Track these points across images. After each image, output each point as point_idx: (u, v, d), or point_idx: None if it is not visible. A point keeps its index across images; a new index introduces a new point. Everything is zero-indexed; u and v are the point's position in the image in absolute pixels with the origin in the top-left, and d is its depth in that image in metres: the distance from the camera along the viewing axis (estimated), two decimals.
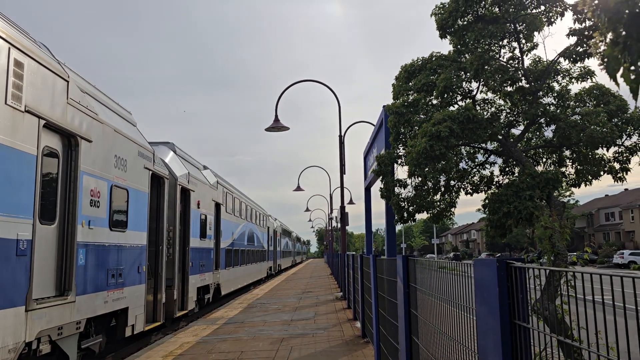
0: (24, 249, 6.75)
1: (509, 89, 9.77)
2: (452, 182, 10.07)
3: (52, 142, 7.83)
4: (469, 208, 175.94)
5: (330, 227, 56.37)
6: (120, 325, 10.40)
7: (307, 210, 58.40)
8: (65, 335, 7.92)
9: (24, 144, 6.87)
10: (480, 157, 10.47)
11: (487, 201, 8.89)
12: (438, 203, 9.96)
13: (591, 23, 8.18)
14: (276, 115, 17.57)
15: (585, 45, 8.71)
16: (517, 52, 9.84)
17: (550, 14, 9.30)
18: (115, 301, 9.82)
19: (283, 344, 10.59)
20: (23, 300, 6.73)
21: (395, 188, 10.24)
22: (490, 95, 10.40)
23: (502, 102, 10.38)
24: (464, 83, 9.96)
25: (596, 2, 1.90)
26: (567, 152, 9.91)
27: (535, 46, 9.89)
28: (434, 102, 10.09)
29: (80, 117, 8.53)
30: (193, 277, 16.07)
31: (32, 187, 7.07)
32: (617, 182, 9.57)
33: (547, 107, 9.52)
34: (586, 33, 8.46)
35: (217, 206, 20.62)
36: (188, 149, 18.30)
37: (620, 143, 9.40)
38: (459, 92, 9.99)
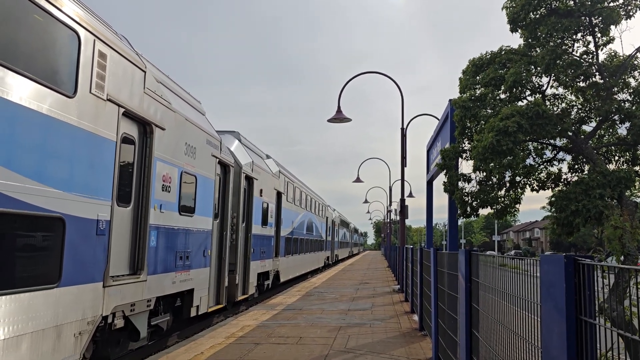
0: (103, 229, 7.21)
1: (582, 84, 9.47)
2: (518, 178, 9.89)
3: (130, 129, 8.27)
4: (532, 205, 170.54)
5: (388, 220, 56.19)
6: (185, 306, 10.88)
7: (366, 201, 58.17)
8: (137, 312, 8.40)
9: (105, 130, 7.31)
10: (548, 154, 10.21)
11: (554, 198, 8.69)
12: (502, 199, 9.81)
13: None
14: (339, 107, 17.70)
15: None
16: (591, 46, 9.51)
17: (629, 7, 8.94)
18: (182, 282, 10.28)
19: (340, 332, 10.76)
20: (101, 277, 7.19)
21: (459, 182, 10.16)
22: (561, 90, 10.12)
23: (573, 97, 10.08)
24: (534, 78, 9.73)
25: None
26: None
27: (611, 40, 9.52)
28: (502, 96, 9.91)
29: (155, 106, 8.95)
30: (254, 263, 16.52)
31: (111, 171, 7.52)
32: None
33: (622, 104, 9.18)
34: None
35: (279, 195, 21.02)
36: (251, 138, 18.74)
37: None
38: (529, 87, 9.77)
